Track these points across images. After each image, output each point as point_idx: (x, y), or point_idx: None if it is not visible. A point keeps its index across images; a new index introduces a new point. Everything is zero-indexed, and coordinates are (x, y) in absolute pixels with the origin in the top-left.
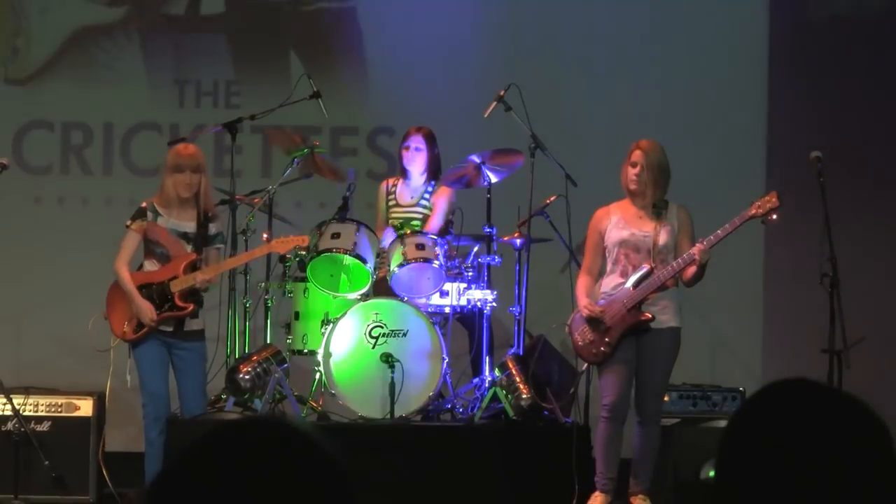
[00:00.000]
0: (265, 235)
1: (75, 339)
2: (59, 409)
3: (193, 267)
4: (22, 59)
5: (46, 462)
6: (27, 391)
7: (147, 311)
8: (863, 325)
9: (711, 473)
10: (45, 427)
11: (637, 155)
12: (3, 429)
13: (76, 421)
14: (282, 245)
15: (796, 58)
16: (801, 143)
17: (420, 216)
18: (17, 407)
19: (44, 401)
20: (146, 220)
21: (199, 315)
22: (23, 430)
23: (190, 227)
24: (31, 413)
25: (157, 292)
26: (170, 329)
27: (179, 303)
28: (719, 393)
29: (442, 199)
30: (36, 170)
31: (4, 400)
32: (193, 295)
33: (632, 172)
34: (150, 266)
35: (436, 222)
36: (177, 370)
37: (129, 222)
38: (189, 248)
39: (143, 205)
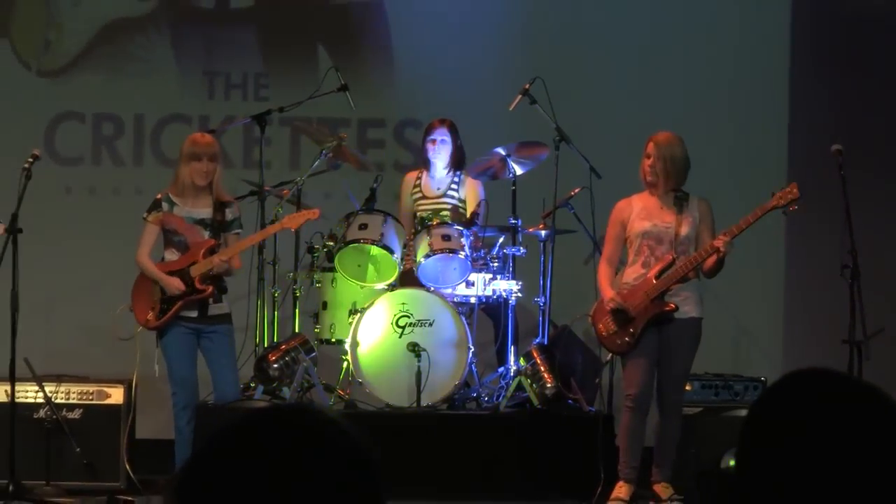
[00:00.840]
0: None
1: (106, 327)
2: (90, 397)
3: (212, 252)
4: (54, 51)
5: (77, 449)
6: (59, 379)
7: (174, 283)
8: (883, 317)
9: (732, 462)
10: (76, 414)
11: (651, 147)
12: (35, 416)
13: (107, 408)
14: (293, 220)
15: (818, 51)
16: (823, 136)
17: (449, 207)
18: (49, 394)
19: (75, 388)
20: (162, 211)
21: (224, 300)
22: (54, 417)
23: (206, 213)
24: (63, 401)
25: (178, 279)
26: (194, 314)
27: (199, 286)
28: (741, 382)
29: (473, 192)
30: (67, 161)
31: (37, 388)
32: (214, 279)
33: (646, 164)
34: (171, 256)
35: (481, 216)
36: (207, 355)
37: (145, 214)
38: (206, 234)
39: (158, 196)
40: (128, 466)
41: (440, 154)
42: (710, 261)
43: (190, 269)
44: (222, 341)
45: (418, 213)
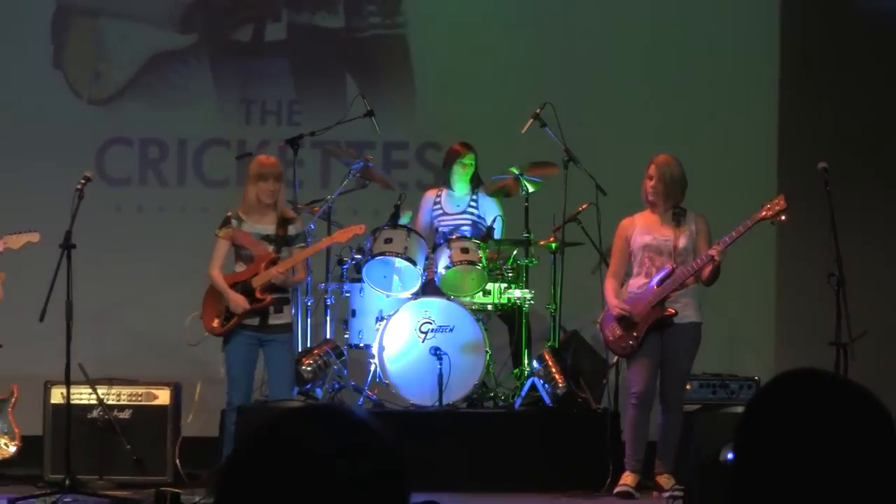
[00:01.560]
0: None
1: (153, 334)
2: (139, 398)
3: (272, 264)
4: (103, 81)
5: (128, 446)
6: (111, 382)
7: (239, 300)
8: (866, 321)
9: (730, 456)
10: (126, 414)
11: (652, 169)
12: (88, 416)
13: (154, 409)
14: (342, 234)
15: (806, 70)
16: (810, 152)
17: (468, 222)
18: (102, 396)
19: (125, 391)
20: (231, 228)
21: (284, 310)
22: (106, 417)
23: (270, 229)
24: (114, 402)
25: (241, 290)
26: (255, 323)
27: (259, 296)
28: (736, 382)
29: (489, 209)
30: (117, 181)
31: (90, 390)
32: (275, 290)
33: (648, 185)
34: (239, 268)
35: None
36: (266, 361)
37: (217, 231)
38: (271, 248)
39: (229, 214)
40: (176, 462)
41: (466, 176)
42: (707, 269)
43: (251, 281)
44: (280, 350)
45: (440, 229)
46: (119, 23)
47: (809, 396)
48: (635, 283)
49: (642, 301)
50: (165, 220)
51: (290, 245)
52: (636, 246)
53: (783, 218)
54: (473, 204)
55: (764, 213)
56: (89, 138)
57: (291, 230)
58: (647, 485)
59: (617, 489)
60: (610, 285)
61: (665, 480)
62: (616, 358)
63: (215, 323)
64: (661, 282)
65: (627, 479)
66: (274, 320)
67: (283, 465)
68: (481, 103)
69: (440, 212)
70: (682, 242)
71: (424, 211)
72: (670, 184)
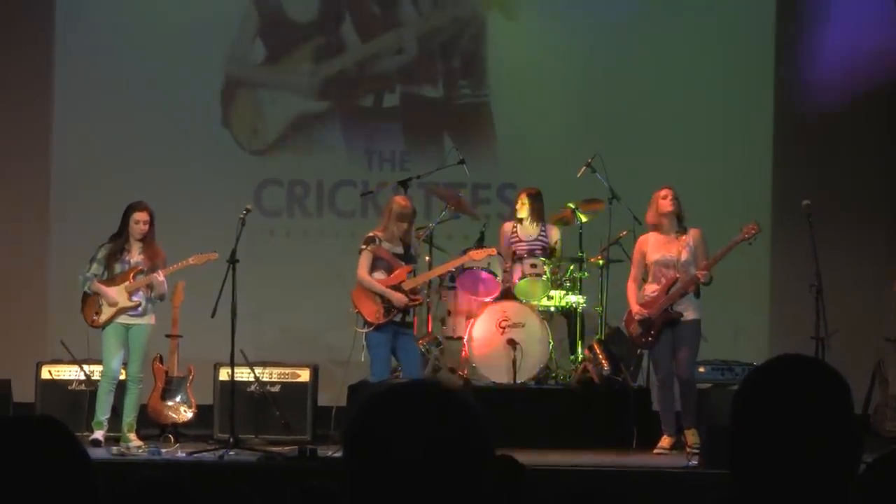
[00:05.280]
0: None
1: (297, 327)
2: (286, 376)
3: (413, 274)
4: (260, 136)
5: (277, 413)
6: (265, 363)
7: (402, 298)
8: (838, 320)
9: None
10: (276, 389)
11: (665, 191)
12: (248, 390)
13: (298, 384)
14: (478, 254)
15: (797, 125)
16: (800, 187)
17: (539, 247)
18: (258, 375)
19: (276, 370)
20: (375, 245)
21: (411, 310)
22: (261, 390)
23: (400, 250)
24: (267, 379)
25: (392, 290)
26: (398, 319)
27: (412, 297)
28: (739, 366)
29: (553, 235)
30: (270, 213)
31: (249, 370)
32: (416, 292)
33: (664, 203)
34: (378, 275)
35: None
36: (398, 350)
37: (363, 246)
38: (402, 263)
39: (371, 234)
40: (313, 424)
41: (524, 210)
42: (692, 287)
43: (402, 285)
44: (411, 341)
45: (517, 252)
46: (272, 92)
47: (792, 375)
48: (649, 288)
49: (656, 304)
50: (307, 242)
51: (410, 262)
52: (649, 261)
53: (756, 239)
54: (543, 233)
55: (741, 237)
56: (249, 179)
57: (412, 251)
58: (680, 442)
59: (655, 450)
60: (631, 290)
61: (690, 435)
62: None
63: (378, 314)
64: (668, 290)
65: (664, 442)
66: (408, 318)
67: (397, 422)
68: (547, 152)
69: (516, 239)
70: (683, 256)
71: (503, 238)
72: (679, 210)
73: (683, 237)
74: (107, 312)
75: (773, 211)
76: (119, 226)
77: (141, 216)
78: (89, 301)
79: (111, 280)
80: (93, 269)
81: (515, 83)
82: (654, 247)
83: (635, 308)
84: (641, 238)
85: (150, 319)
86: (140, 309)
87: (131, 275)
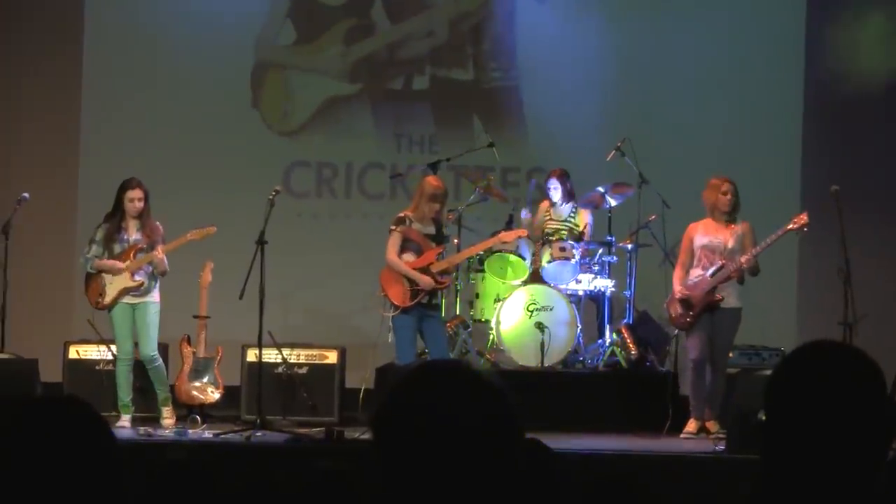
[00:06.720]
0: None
1: (324, 309)
2: (314, 358)
3: (441, 257)
4: (290, 118)
5: (304, 394)
6: (292, 345)
7: (429, 281)
8: (867, 306)
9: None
10: (303, 370)
11: (727, 187)
12: (275, 371)
13: (325, 366)
14: (508, 235)
15: (826, 113)
16: (829, 172)
17: (567, 227)
18: (285, 356)
19: (303, 352)
20: (406, 226)
21: (439, 293)
22: (289, 372)
23: (431, 231)
24: (295, 360)
25: (421, 272)
26: (425, 301)
27: (439, 280)
28: (767, 351)
29: (583, 218)
30: (298, 195)
31: (277, 351)
32: (446, 274)
33: (723, 199)
34: (408, 257)
35: (588, 235)
36: (425, 332)
37: (392, 227)
38: (432, 244)
39: (402, 215)
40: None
41: (556, 193)
42: (737, 273)
43: (429, 267)
44: (438, 324)
45: (547, 228)
46: (302, 74)
47: (823, 361)
48: (694, 273)
49: (699, 288)
50: (335, 224)
51: (441, 243)
52: (697, 245)
53: (806, 230)
54: (573, 215)
55: (791, 226)
56: (279, 161)
57: (444, 231)
58: (704, 428)
59: (682, 434)
60: (678, 274)
61: (712, 425)
62: (676, 332)
63: (404, 297)
64: (714, 274)
65: (691, 426)
66: (435, 300)
67: (423, 404)
68: (576, 136)
69: (549, 217)
70: (731, 243)
71: (539, 216)
72: (737, 198)
73: (734, 226)
74: (111, 294)
75: (802, 196)
76: (113, 205)
77: (135, 194)
78: (92, 284)
79: (112, 259)
80: (93, 251)
81: (545, 67)
82: (703, 231)
83: (678, 288)
84: (691, 225)
85: (154, 297)
86: (144, 287)
87: (132, 253)
